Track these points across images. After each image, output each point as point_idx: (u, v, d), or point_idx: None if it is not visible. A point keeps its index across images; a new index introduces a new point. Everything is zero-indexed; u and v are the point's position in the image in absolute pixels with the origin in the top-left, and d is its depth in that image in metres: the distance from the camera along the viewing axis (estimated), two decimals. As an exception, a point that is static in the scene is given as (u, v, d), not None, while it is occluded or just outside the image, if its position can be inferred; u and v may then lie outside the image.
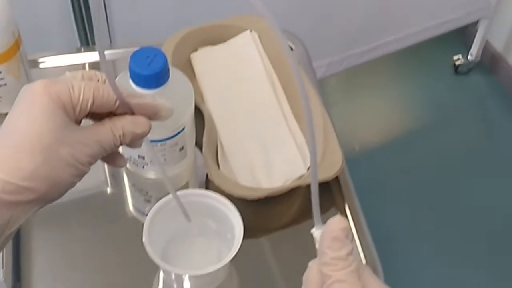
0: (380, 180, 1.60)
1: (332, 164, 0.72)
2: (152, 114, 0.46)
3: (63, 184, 0.42)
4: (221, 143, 0.77)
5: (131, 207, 0.75)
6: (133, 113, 0.45)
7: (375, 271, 0.71)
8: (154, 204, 0.65)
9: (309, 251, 0.74)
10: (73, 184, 0.43)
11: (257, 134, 0.78)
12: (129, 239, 0.70)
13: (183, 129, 0.69)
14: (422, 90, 1.82)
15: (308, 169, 0.74)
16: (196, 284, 0.65)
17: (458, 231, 1.51)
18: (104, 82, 0.45)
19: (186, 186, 0.77)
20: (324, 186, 0.73)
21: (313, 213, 0.44)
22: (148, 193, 0.75)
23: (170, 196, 0.64)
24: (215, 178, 0.70)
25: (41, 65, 0.87)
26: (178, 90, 0.67)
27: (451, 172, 1.64)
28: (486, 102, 1.83)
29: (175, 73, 0.66)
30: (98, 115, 0.45)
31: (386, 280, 0.72)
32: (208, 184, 0.74)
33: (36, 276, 0.68)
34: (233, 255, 0.59)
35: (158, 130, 0.67)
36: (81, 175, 0.43)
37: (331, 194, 0.75)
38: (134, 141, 0.46)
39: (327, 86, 1.77)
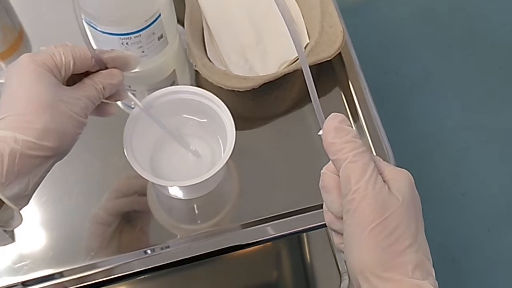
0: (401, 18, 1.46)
1: (332, 41, 0.64)
2: (123, 65, 0.51)
3: (70, 136, 0.47)
4: (206, 24, 0.68)
5: (118, 102, 0.69)
6: (106, 68, 0.51)
7: (382, 150, 0.65)
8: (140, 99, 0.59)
9: (312, 136, 0.68)
10: (77, 135, 0.48)
11: (247, 9, 0.69)
12: (118, 138, 0.64)
13: (158, 16, 0.60)
14: None
15: (306, 47, 0.66)
16: (189, 190, 0.61)
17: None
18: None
19: (173, 75, 0.70)
20: (326, 64, 0.65)
21: (316, 116, 0.42)
22: (131, 87, 0.68)
23: (151, 96, 0.58)
24: (201, 69, 0.63)
25: None
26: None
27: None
28: None
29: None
30: (78, 79, 0.50)
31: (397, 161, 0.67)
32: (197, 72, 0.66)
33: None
34: (224, 161, 0.54)
35: (130, 22, 0.59)
36: (82, 126, 0.48)
37: (333, 72, 0.68)
38: (112, 91, 0.51)
39: None
